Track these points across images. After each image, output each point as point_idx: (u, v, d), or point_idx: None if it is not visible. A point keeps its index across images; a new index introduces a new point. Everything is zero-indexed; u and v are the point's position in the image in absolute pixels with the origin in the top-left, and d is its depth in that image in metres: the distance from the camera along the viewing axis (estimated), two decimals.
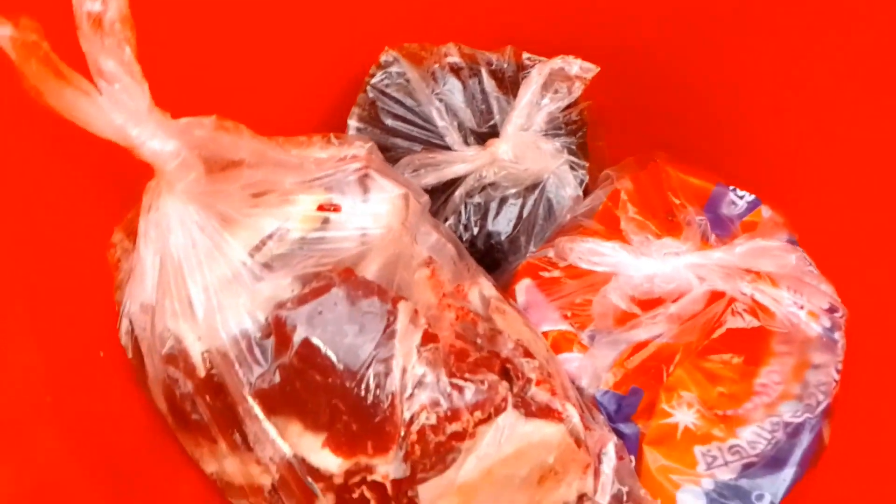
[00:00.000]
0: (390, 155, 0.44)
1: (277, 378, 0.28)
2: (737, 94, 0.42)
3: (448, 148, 0.44)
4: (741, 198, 0.39)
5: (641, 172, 0.39)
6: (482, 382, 0.30)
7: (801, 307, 0.33)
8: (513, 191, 0.43)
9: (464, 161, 0.43)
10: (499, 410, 0.30)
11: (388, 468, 0.29)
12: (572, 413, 0.31)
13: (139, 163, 0.29)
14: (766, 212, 0.38)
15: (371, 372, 0.29)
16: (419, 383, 0.29)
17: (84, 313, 0.31)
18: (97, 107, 0.26)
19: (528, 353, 0.33)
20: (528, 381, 0.32)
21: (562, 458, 0.31)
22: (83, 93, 0.26)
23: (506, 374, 0.31)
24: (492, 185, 0.43)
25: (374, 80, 0.44)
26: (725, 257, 0.33)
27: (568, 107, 0.44)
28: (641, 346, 0.34)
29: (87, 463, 0.27)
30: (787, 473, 0.33)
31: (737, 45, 0.41)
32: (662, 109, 0.44)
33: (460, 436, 0.29)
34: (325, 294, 0.29)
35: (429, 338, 0.30)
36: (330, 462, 0.29)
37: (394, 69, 0.45)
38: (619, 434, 0.34)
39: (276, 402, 0.29)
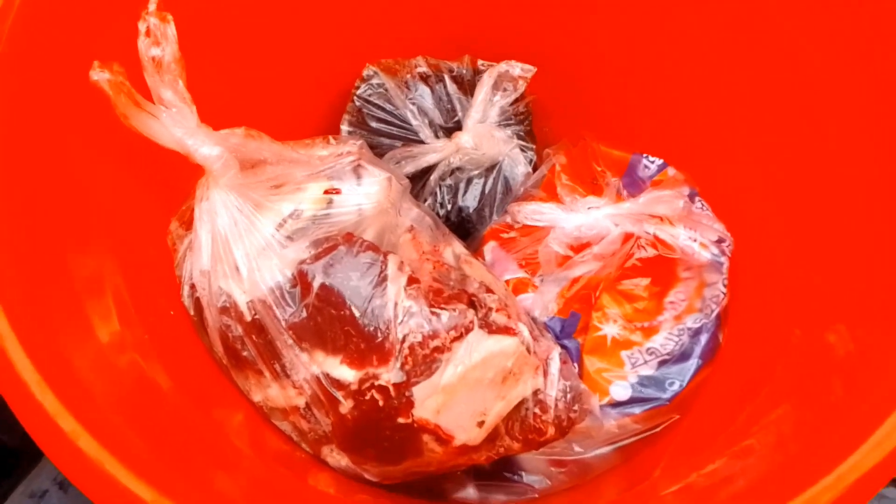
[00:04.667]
0: (376, 151, 0.53)
1: (304, 314, 0.39)
2: (645, 83, 0.53)
3: (422, 142, 0.54)
4: (652, 162, 0.49)
5: (573, 149, 0.50)
6: (454, 310, 0.40)
7: (695, 240, 0.44)
8: (476, 172, 0.54)
9: (435, 151, 0.53)
10: (468, 330, 0.40)
11: (389, 375, 0.39)
12: (523, 329, 0.41)
13: (181, 172, 0.40)
14: (671, 171, 0.49)
15: (372, 305, 0.39)
16: (407, 313, 0.40)
17: (158, 284, 0.41)
18: (162, 126, 0.37)
19: (489, 290, 0.43)
20: (490, 309, 0.42)
21: (518, 363, 0.41)
22: (154, 116, 0.36)
23: (472, 304, 0.42)
24: (459, 169, 0.53)
25: (359, 92, 0.54)
26: (633, 206, 0.44)
27: (515, 101, 0.54)
28: (576, 280, 0.45)
29: (176, 380, 0.37)
30: (692, 364, 0.43)
31: (640, 48, 0.51)
32: (589, 98, 0.55)
33: (440, 349, 0.39)
34: (334, 251, 0.40)
35: (412, 280, 0.41)
36: (347, 374, 0.39)
37: (374, 81, 0.55)
38: (565, 348, 0.45)
39: (305, 333, 0.39)
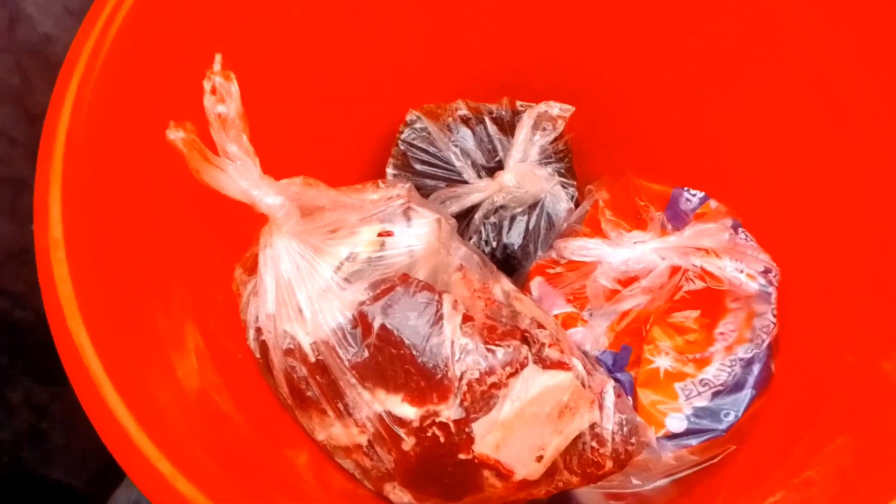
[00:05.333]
0: (422, 193, 0.55)
1: (366, 354, 0.40)
2: (681, 117, 0.54)
3: (465, 182, 0.55)
4: (694, 196, 0.50)
5: (615, 184, 0.51)
6: (509, 346, 0.41)
7: (741, 271, 0.45)
8: (519, 210, 0.55)
9: (478, 191, 0.54)
10: (523, 365, 0.41)
11: (449, 412, 0.40)
12: (577, 363, 0.42)
13: (244, 222, 0.42)
14: (713, 204, 0.50)
15: (430, 344, 0.40)
16: (464, 350, 0.41)
17: (226, 329, 0.43)
18: (229, 178, 0.39)
19: (541, 326, 0.44)
20: (543, 344, 0.43)
21: (573, 397, 0.42)
22: (221, 170, 0.39)
23: (525, 341, 0.43)
24: (502, 207, 0.55)
25: (403, 136, 0.57)
26: (678, 240, 0.44)
27: (555, 139, 0.55)
28: (626, 314, 0.46)
29: (249, 419, 0.38)
30: (746, 394, 0.43)
31: (674, 85, 0.53)
32: (627, 134, 0.56)
33: (497, 385, 0.40)
34: (392, 292, 0.41)
35: (467, 318, 0.42)
36: (409, 412, 0.40)
37: (417, 125, 0.57)
38: (618, 381, 0.45)
39: (367, 372, 0.40)
